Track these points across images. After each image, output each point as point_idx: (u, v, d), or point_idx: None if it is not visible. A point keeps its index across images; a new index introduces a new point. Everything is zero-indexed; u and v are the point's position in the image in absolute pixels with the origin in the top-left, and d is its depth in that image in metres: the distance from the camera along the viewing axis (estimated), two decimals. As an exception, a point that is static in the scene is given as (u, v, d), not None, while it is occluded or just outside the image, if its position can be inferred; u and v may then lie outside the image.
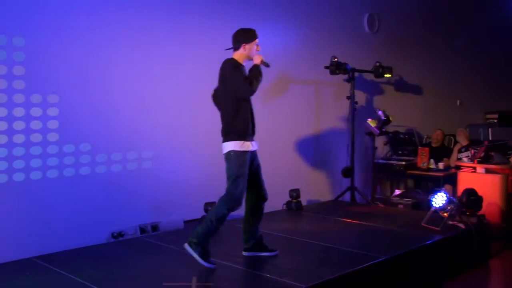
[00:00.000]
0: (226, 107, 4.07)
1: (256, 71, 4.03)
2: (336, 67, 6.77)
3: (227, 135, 4.04)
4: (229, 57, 4.09)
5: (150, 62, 5.26)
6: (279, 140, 6.52)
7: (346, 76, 6.97)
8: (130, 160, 5.15)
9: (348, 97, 6.97)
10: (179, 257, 4.25)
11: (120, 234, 4.97)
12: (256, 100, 6.18)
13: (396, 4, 8.27)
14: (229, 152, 4.01)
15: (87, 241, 4.60)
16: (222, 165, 5.98)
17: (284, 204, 6.13)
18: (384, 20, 7.99)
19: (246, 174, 4.03)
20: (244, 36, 4.09)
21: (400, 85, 8.31)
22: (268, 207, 5.96)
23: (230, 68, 4.01)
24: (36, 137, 4.52)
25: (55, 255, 4.25)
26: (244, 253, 4.24)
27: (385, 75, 7.49)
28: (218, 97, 4.19)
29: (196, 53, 5.56)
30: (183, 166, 5.55)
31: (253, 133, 4.13)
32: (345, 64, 6.73)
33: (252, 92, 3.98)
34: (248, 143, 4.03)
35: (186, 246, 3.90)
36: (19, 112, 4.42)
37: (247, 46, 4.07)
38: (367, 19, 7.75)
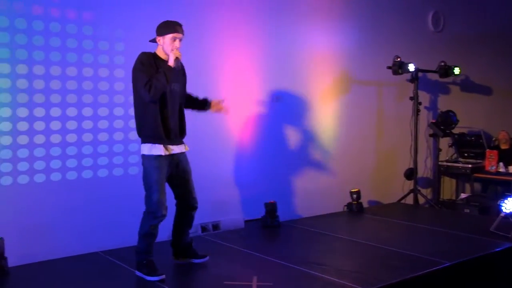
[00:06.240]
0: (135, 106, 3.71)
1: (160, 75, 3.49)
2: (399, 67, 6.62)
3: (140, 137, 3.73)
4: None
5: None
6: (340, 141, 6.45)
7: (409, 76, 6.81)
8: (192, 161, 5.23)
9: (411, 98, 6.82)
10: (239, 256, 4.30)
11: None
12: (317, 100, 6.24)
13: (462, 1, 7.99)
14: (142, 155, 3.70)
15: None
16: (284, 165, 6.00)
17: (345, 205, 6.07)
18: (449, 18, 7.74)
19: (162, 179, 3.66)
20: (158, 29, 3.66)
21: (466, 86, 8.02)
22: (329, 208, 5.98)
23: (135, 64, 3.59)
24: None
25: (119, 250, 4.40)
26: (175, 260, 4.04)
27: (454, 72, 7.19)
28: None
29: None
30: (244, 166, 5.60)
31: (173, 135, 3.71)
32: (408, 63, 6.57)
33: (151, 99, 3.51)
34: (160, 146, 3.63)
35: (136, 272, 3.76)
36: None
37: (161, 40, 3.62)
38: (432, 17, 7.54)
